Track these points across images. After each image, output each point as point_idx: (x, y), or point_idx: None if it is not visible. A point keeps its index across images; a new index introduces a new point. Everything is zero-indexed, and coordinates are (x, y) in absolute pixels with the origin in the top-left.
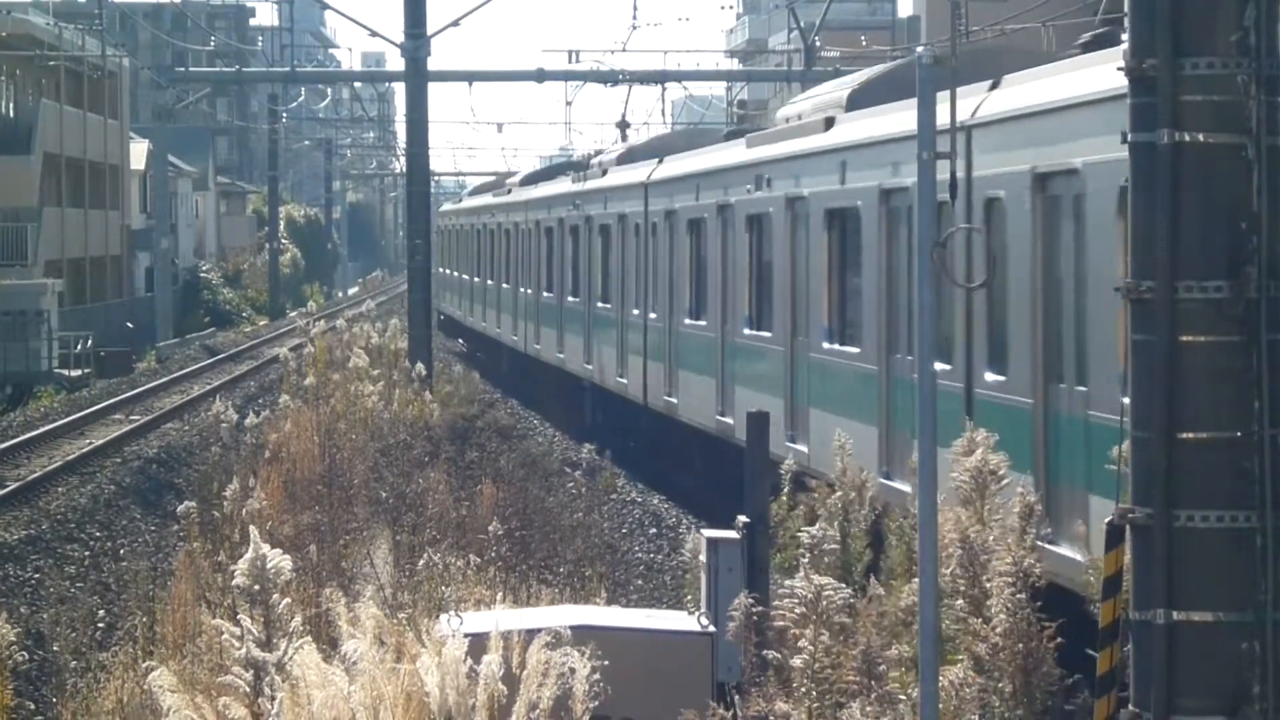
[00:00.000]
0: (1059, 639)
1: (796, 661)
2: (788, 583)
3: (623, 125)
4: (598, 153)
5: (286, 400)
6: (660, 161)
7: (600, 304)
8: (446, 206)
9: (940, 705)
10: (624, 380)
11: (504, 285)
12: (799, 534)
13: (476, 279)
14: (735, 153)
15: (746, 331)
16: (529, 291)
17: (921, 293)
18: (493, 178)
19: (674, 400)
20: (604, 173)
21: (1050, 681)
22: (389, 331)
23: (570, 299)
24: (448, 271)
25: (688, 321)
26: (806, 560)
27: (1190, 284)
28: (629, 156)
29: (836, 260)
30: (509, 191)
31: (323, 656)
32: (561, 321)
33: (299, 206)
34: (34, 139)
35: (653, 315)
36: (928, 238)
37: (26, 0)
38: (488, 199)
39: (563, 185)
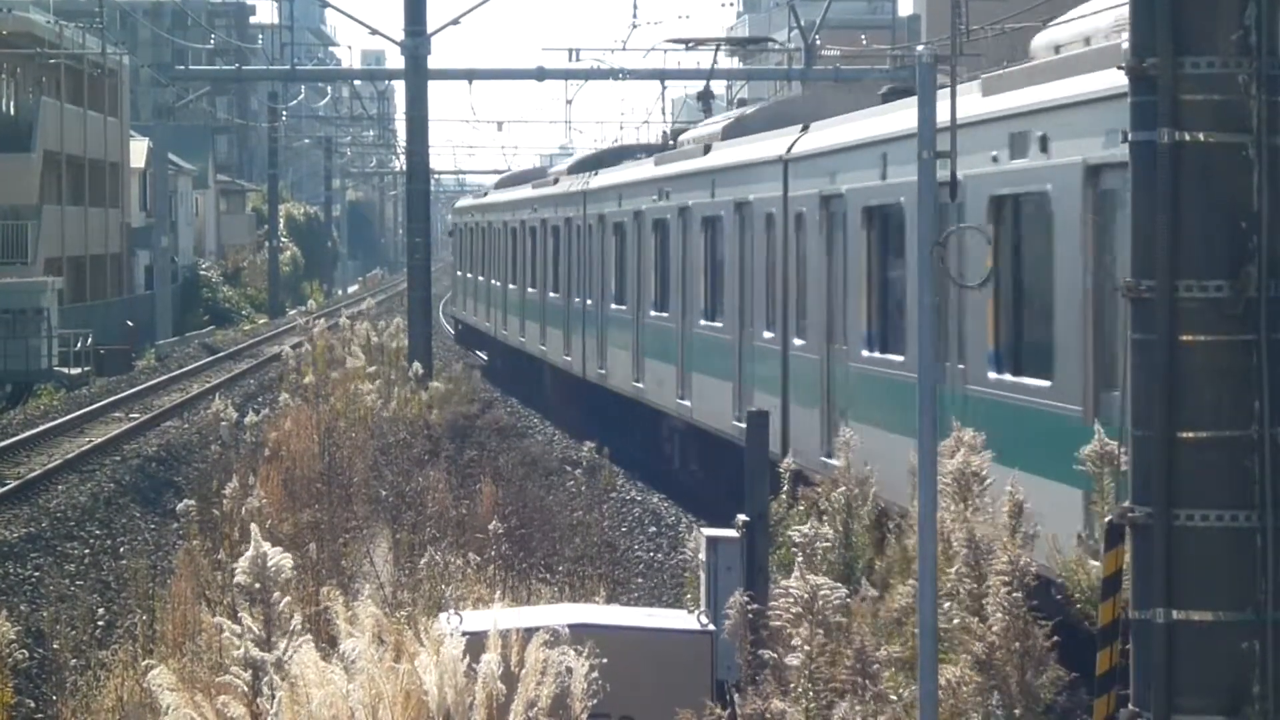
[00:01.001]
0: (1055, 638)
1: (792, 660)
2: (783, 582)
3: (706, 95)
4: (674, 134)
5: (286, 398)
6: (805, 130)
7: (705, 321)
8: (466, 201)
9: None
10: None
11: (551, 294)
12: (793, 532)
13: (510, 285)
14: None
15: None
16: (589, 303)
17: (921, 291)
18: (505, 172)
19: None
20: (706, 150)
21: (1050, 681)
22: (390, 329)
23: (654, 313)
24: (466, 275)
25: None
26: (801, 559)
27: (1190, 283)
28: (739, 129)
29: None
30: (554, 181)
31: (321, 655)
32: (639, 343)
33: (299, 204)
34: (34, 137)
35: (799, 342)
36: (927, 237)
37: None
38: (525, 191)
39: (638, 170)
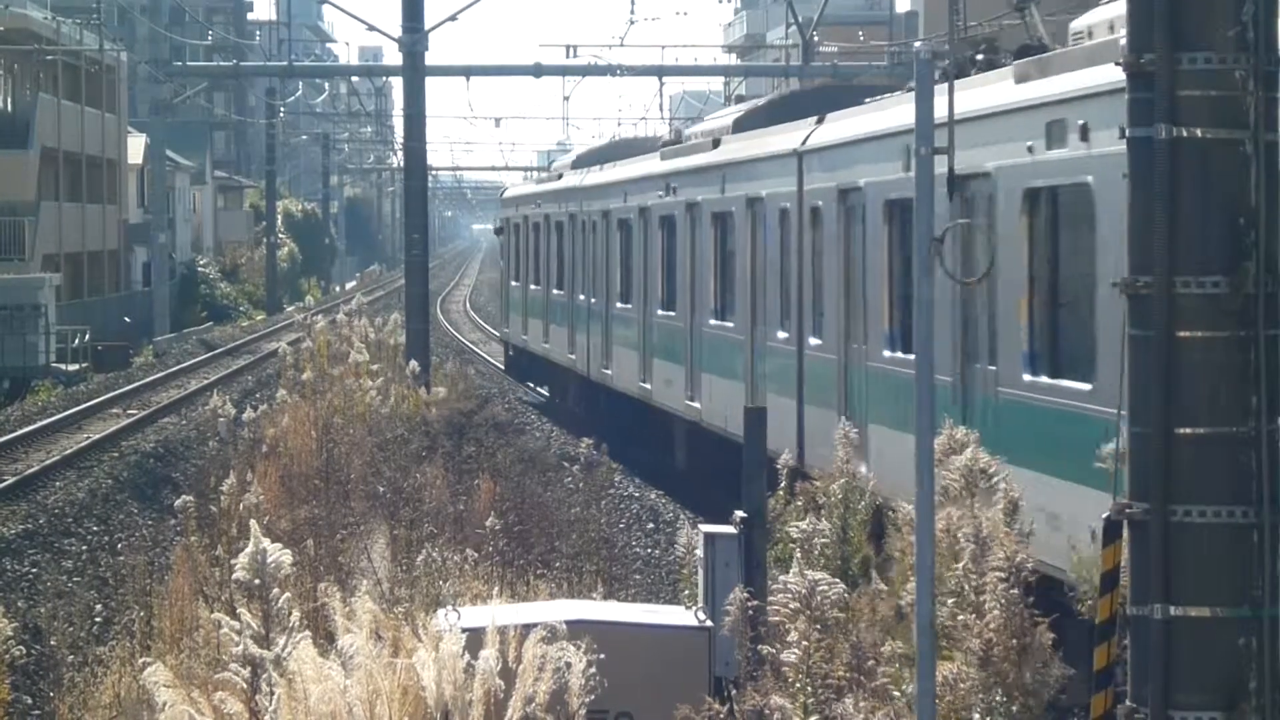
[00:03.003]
0: (1053, 634)
1: (790, 656)
2: (781, 578)
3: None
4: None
5: (284, 395)
6: (820, 122)
7: (891, 353)
8: (516, 190)
9: (936, 702)
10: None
11: (668, 314)
12: (789, 528)
13: (591, 299)
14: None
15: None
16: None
17: (919, 287)
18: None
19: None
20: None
21: (1053, 679)
22: (388, 326)
23: (810, 341)
24: (520, 284)
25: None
26: (799, 555)
27: (1188, 279)
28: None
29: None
30: (682, 150)
31: (320, 651)
32: (803, 376)
33: (296, 201)
34: (32, 133)
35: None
36: (925, 233)
37: None
38: (615, 172)
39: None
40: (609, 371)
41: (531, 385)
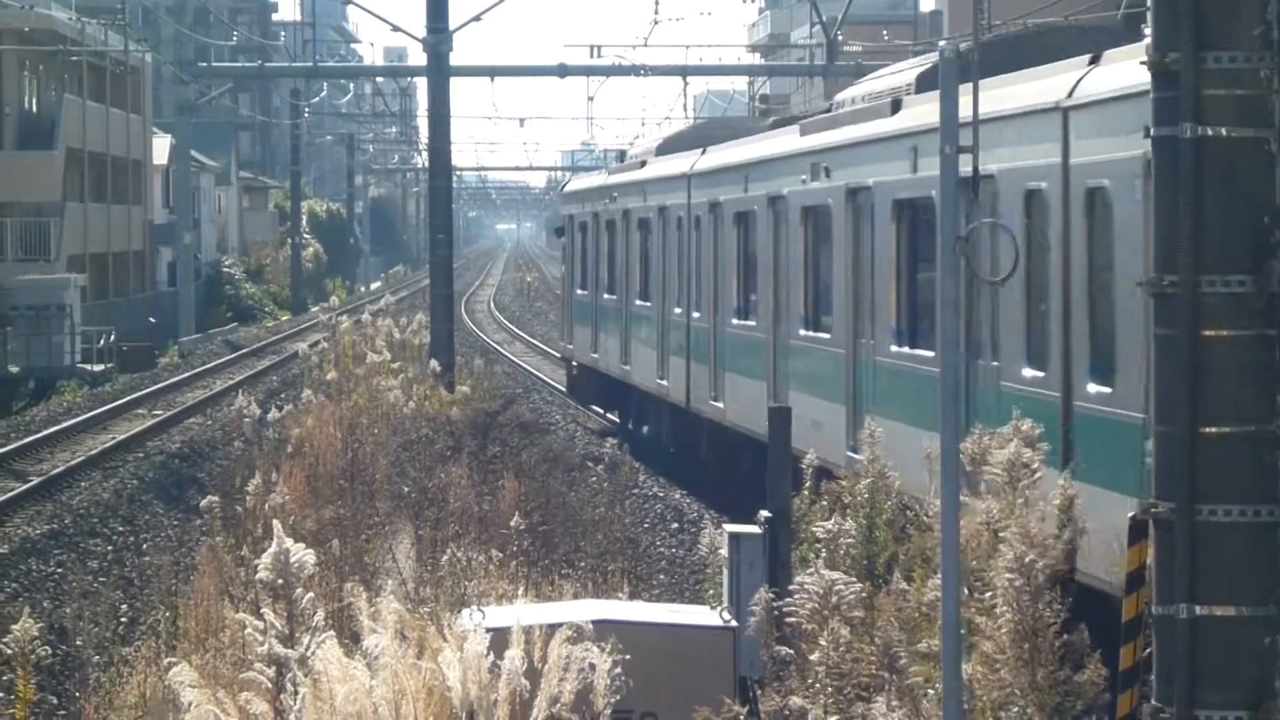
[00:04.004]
0: (1084, 634)
1: (814, 656)
2: (798, 578)
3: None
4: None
5: (309, 395)
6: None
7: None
8: (583, 182)
9: (965, 701)
10: None
11: (815, 336)
12: (815, 528)
13: (692, 313)
14: None
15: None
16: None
17: (944, 286)
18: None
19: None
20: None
21: (1084, 680)
22: (412, 325)
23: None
24: (588, 293)
25: None
26: (824, 555)
27: (1213, 278)
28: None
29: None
30: (842, 118)
31: (344, 651)
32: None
33: (321, 201)
34: (57, 134)
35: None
36: (950, 232)
37: None
38: (725, 155)
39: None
40: (719, 404)
41: (602, 412)
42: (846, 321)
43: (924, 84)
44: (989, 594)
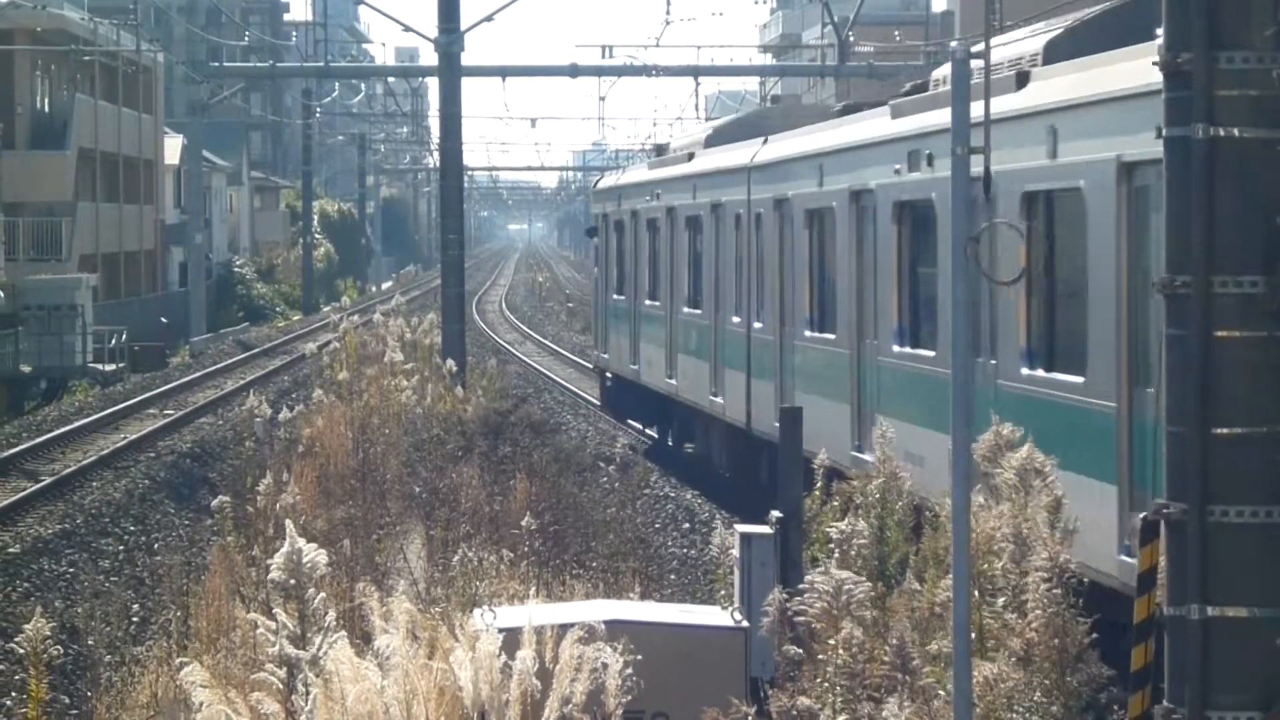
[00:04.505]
0: (1094, 634)
1: (823, 656)
2: (808, 577)
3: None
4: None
5: (320, 395)
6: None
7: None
8: (619, 178)
9: (976, 701)
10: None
11: (911, 353)
12: (828, 528)
13: (753, 323)
14: None
15: None
16: None
17: (955, 287)
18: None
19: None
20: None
21: (1090, 679)
22: (424, 325)
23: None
24: (627, 298)
25: None
26: (837, 555)
27: (1225, 279)
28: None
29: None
30: (942, 95)
31: (356, 651)
32: None
33: (333, 201)
34: (69, 134)
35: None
36: (960, 233)
37: None
38: (796, 144)
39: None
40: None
41: (641, 427)
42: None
43: (1054, 53)
44: (990, 594)
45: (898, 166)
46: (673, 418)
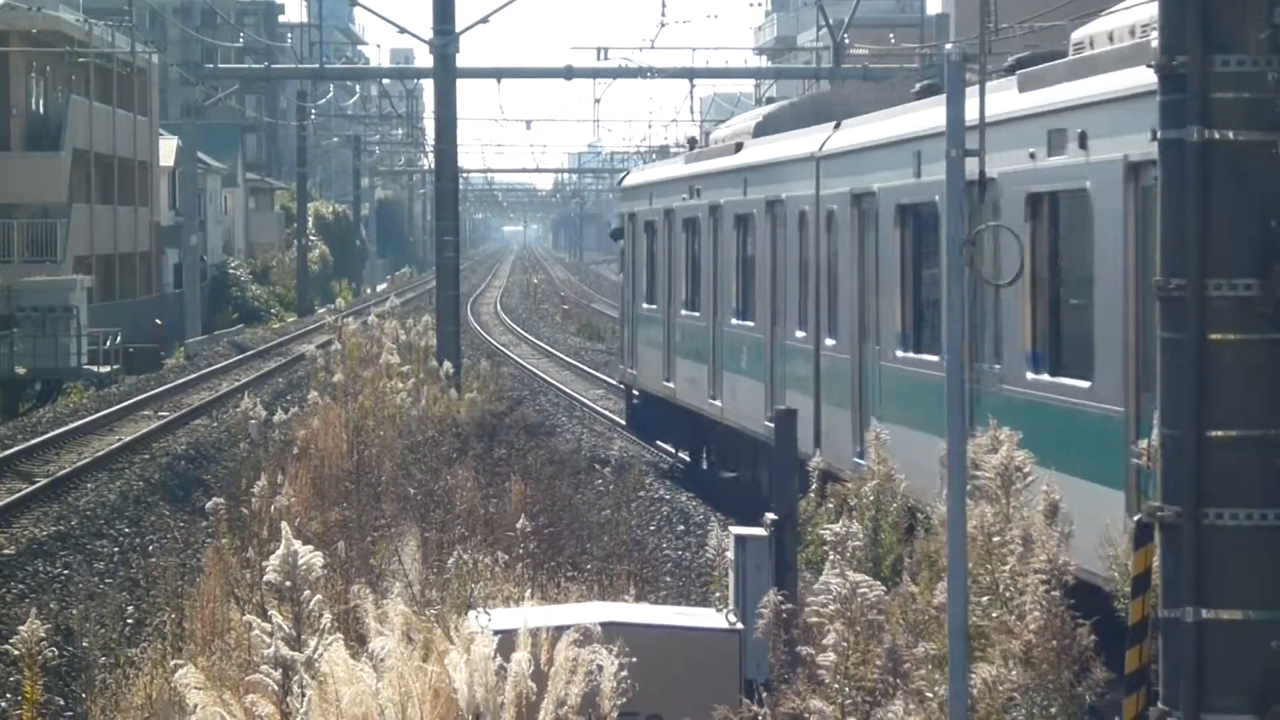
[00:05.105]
0: (1093, 637)
1: (825, 659)
2: (822, 579)
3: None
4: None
5: (315, 397)
6: None
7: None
8: (649, 173)
9: (973, 704)
10: None
11: (1045, 381)
12: (822, 530)
13: (825, 339)
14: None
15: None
16: None
17: (951, 289)
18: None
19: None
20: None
21: (1092, 682)
22: (418, 327)
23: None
24: (660, 308)
25: None
26: (835, 557)
27: (1220, 282)
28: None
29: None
30: (1081, 66)
31: (351, 653)
32: None
33: (327, 203)
34: (64, 135)
35: None
36: (955, 235)
37: None
38: (889, 124)
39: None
40: (863, 463)
41: (674, 450)
42: (1120, 363)
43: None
44: (985, 599)
45: (1033, 150)
46: (712, 441)
